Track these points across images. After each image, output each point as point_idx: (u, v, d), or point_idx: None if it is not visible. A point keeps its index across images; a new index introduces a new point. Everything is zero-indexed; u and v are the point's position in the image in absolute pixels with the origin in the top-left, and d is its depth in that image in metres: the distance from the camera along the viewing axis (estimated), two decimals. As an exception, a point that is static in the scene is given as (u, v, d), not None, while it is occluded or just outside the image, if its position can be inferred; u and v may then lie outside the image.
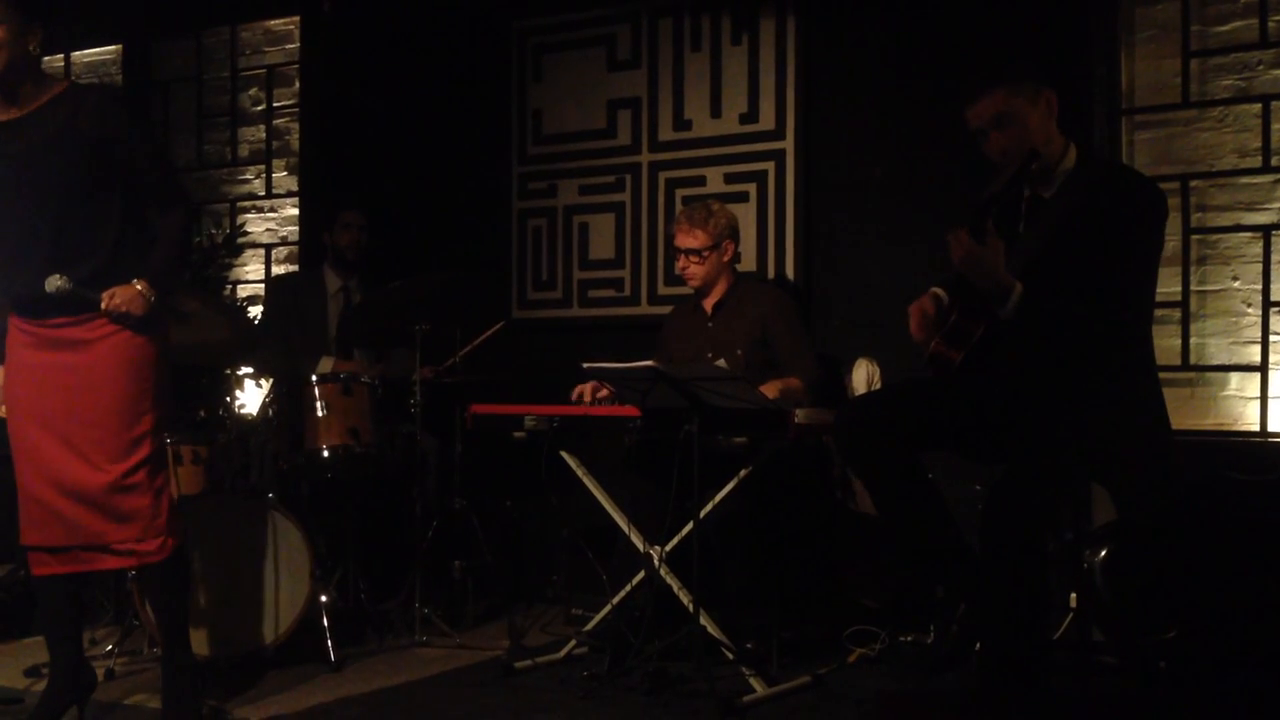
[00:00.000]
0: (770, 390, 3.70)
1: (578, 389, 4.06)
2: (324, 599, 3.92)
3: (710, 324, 4.20)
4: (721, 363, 3.90)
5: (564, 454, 3.86)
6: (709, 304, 4.22)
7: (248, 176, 5.82)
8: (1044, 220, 3.02)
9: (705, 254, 4.10)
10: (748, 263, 4.56)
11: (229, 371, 4.42)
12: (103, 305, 3.01)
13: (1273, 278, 3.99)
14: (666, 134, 4.92)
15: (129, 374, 3.08)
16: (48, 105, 3.04)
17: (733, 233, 4.18)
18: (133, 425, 3.08)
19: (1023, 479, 2.90)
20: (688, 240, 4.11)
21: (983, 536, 2.93)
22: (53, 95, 3.06)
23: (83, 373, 3.06)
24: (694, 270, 4.14)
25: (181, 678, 3.21)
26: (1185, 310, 4.08)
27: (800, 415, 3.49)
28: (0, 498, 3.48)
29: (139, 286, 3.03)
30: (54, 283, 2.96)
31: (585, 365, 3.60)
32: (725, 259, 4.16)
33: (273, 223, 5.75)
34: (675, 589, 3.65)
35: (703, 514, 3.51)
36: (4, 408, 3.17)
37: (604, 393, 3.99)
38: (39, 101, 3.04)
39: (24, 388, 3.10)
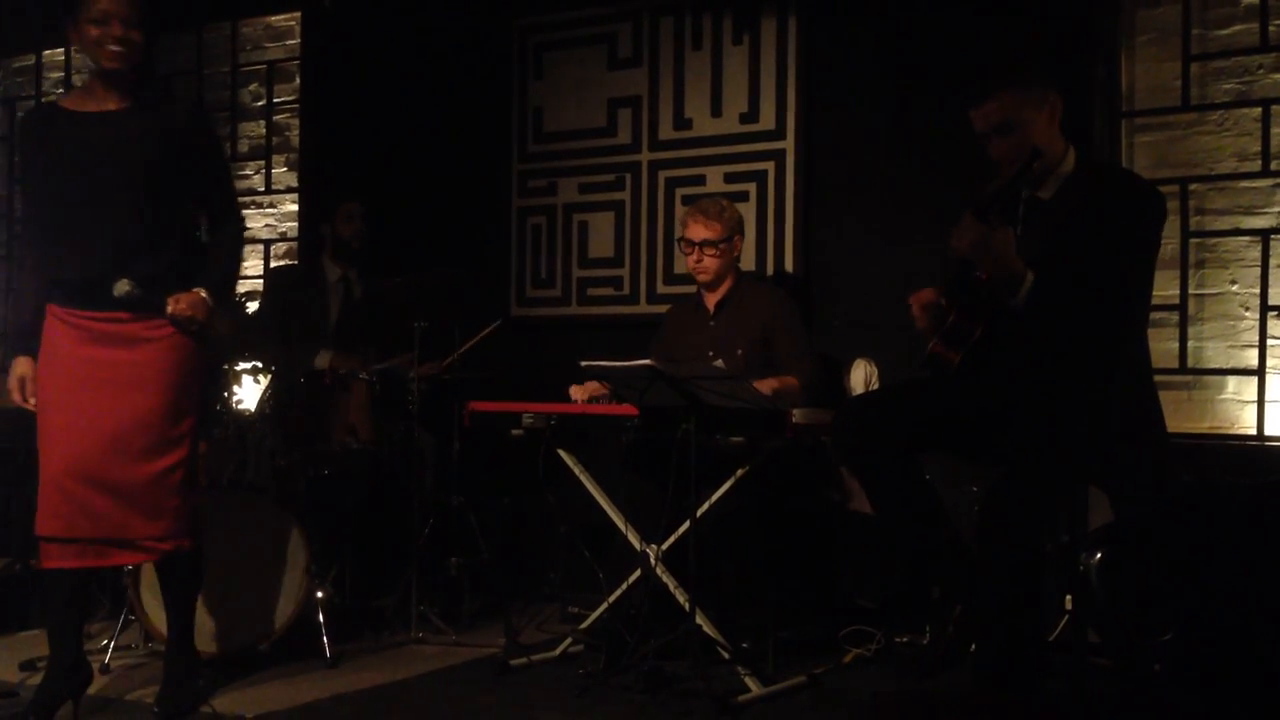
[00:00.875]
0: (765, 388, 3.70)
1: (573, 390, 4.07)
2: (320, 595, 3.92)
3: (712, 322, 4.20)
4: (720, 363, 3.90)
5: (561, 452, 3.86)
6: (712, 302, 4.21)
7: (248, 172, 5.81)
8: (1042, 222, 3.02)
9: (720, 246, 4.11)
10: (747, 262, 4.55)
11: (226, 367, 4.42)
12: (168, 310, 3.08)
13: (1271, 282, 3.99)
14: (667, 133, 4.92)
15: (178, 374, 3.16)
16: (141, 105, 3.14)
17: (740, 229, 4.21)
18: (176, 424, 3.16)
19: (1020, 480, 2.90)
20: (704, 231, 4.10)
21: (980, 537, 2.93)
22: (146, 97, 3.16)
23: (135, 369, 3.11)
24: (708, 263, 4.13)
25: (185, 669, 3.32)
26: (1183, 313, 4.08)
27: (798, 415, 3.50)
28: (-3, 492, 3.49)
29: (202, 294, 3.12)
30: (122, 288, 3.02)
31: (583, 363, 3.60)
32: (734, 254, 4.17)
33: (272, 218, 5.74)
34: (672, 588, 3.65)
35: (700, 513, 3.51)
36: (32, 400, 3.17)
37: (601, 391, 3.99)
38: (133, 100, 3.13)
39: (66, 379, 3.11)
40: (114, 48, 3.04)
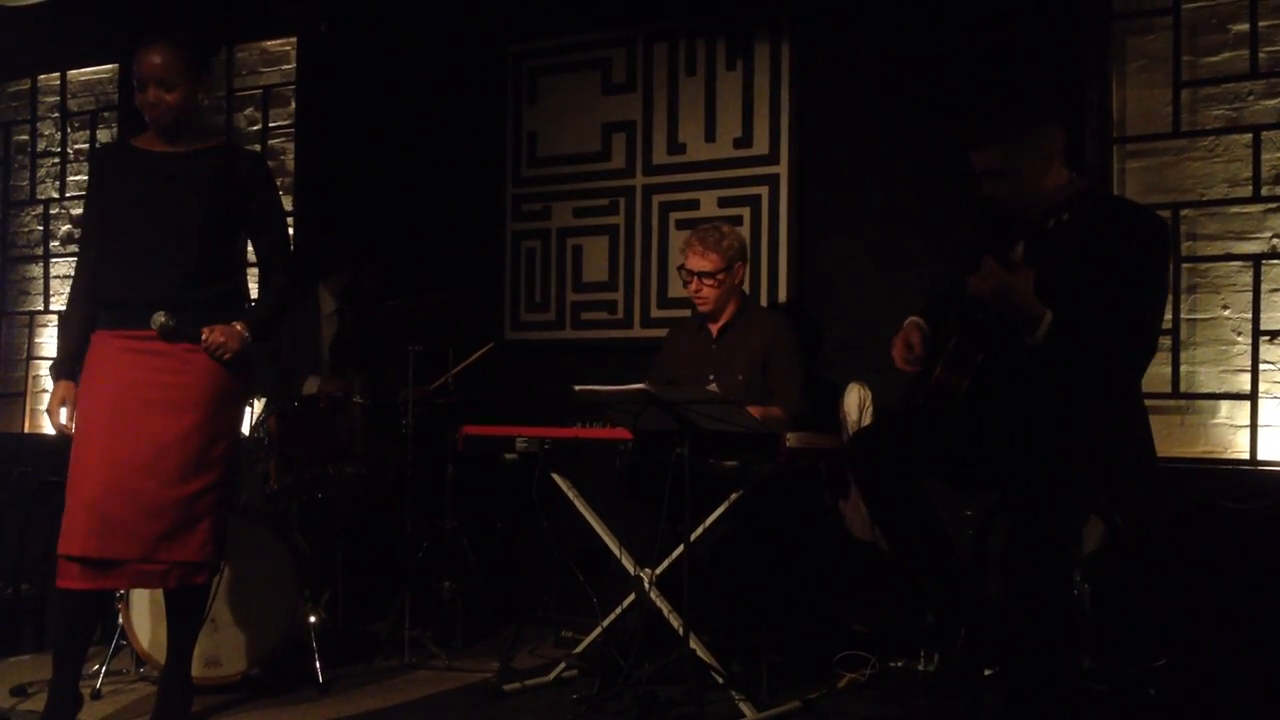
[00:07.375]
0: (754, 414, 3.70)
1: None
2: (312, 619, 3.90)
3: (714, 345, 4.20)
4: (713, 386, 3.91)
5: (555, 476, 3.86)
6: (715, 326, 4.21)
7: (242, 196, 5.82)
8: (1048, 252, 2.99)
9: (719, 277, 4.10)
10: (741, 286, 4.57)
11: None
12: (202, 339, 3.21)
13: (1262, 307, 4.01)
14: (660, 157, 4.94)
15: (216, 397, 3.27)
16: (203, 153, 3.32)
17: (743, 255, 4.20)
18: (212, 446, 3.26)
19: (1044, 512, 2.82)
20: (701, 263, 4.11)
21: (1010, 576, 2.84)
22: (209, 146, 3.37)
23: (176, 390, 3.22)
24: (706, 293, 4.13)
25: (179, 696, 3.33)
26: (1176, 338, 4.09)
27: (792, 439, 3.50)
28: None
29: (238, 327, 3.25)
30: (158, 319, 3.17)
31: (577, 388, 3.61)
32: (736, 281, 4.17)
33: (266, 242, 5.75)
34: (666, 612, 3.65)
35: (694, 537, 3.51)
36: (70, 424, 3.23)
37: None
38: (196, 147, 3.31)
39: (109, 402, 3.18)
40: (150, 109, 3.25)
